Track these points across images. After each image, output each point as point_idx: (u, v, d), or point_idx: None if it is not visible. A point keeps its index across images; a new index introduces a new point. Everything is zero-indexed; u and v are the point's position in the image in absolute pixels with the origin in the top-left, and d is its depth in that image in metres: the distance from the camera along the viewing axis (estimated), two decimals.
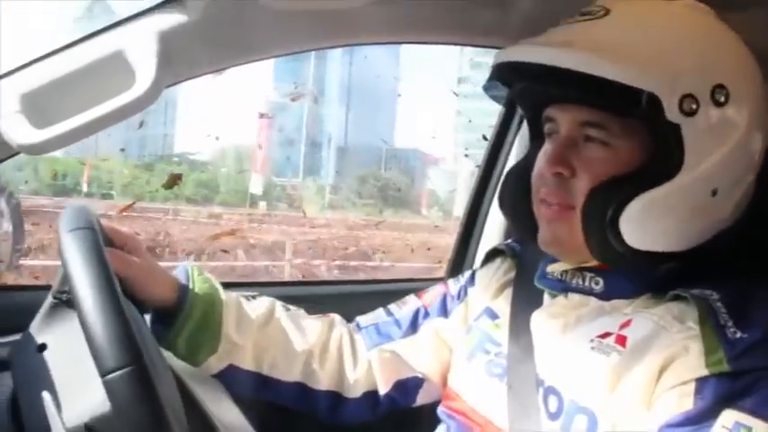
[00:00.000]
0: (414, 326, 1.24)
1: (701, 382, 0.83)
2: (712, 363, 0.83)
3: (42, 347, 0.92)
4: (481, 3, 1.23)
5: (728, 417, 0.81)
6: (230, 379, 1.14)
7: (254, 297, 1.20)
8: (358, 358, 1.22)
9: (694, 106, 0.87)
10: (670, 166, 0.89)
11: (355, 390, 1.20)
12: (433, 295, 1.27)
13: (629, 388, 0.88)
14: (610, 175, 0.93)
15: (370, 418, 1.22)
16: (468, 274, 1.29)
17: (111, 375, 0.75)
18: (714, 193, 0.91)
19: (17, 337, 1.08)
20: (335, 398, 1.19)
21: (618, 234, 0.90)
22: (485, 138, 1.79)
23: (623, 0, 0.97)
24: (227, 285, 1.19)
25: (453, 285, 1.28)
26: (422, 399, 1.23)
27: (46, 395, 0.85)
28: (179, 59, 1.14)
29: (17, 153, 1.11)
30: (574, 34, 0.96)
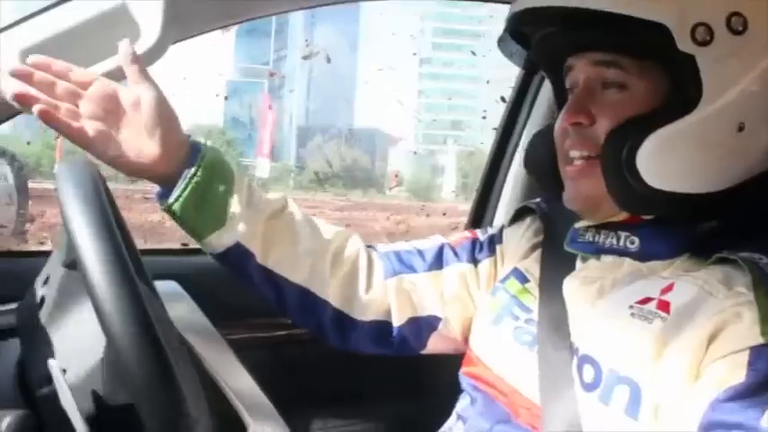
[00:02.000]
0: (439, 261, 1.18)
1: (755, 351, 0.77)
2: None
3: (43, 300, 0.89)
4: None
5: None
6: (236, 260, 1.06)
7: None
8: (373, 281, 1.15)
9: (708, 36, 0.85)
10: (688, 101, 0.87)
11: (365, 313, 1.14)
12: (460, 238, 1.22)
13: (675, 357, 0.82)
14: (628, 116, 0.91)
15: (379, 350, 1.16)
16: (496, 227, 1.25)
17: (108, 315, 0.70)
18: (741, 128, 0.88)
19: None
20: (343, 318, 1.13)
21: (635, 173, 0.87)
22: (503, 99, 1.77)
23: None
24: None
25: (481, 234, 1.23)
26: (433, 344, 1.17)
27: (52, 362, 0.81)
28: (185, 15, 1.10)
29: (18, 113, 1.06)
30: None
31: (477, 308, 1.14)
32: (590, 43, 0.95)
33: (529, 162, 1.10)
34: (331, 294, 1.11)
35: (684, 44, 0.84)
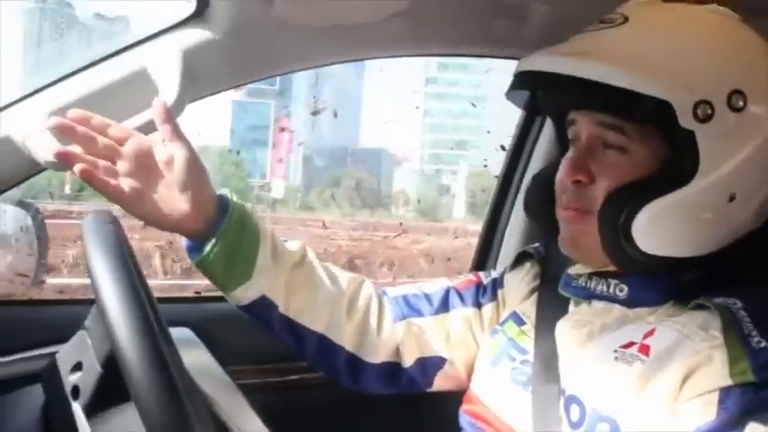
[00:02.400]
0: (445, 305, 1.21)
1: (724, 392, 0.81)
2: (737, 372, 0.81)
3: (78, 366, 0.92)
4: (498, 14, 1.25)
5: (753, 430, 0.79)
6: (260, 311, 1.10)
7: (284, 240, 1.15)
8: (383, 325, 1.18)
9: (710, 112, 0.87)
10: (685, 172, 0.89)
11: (376, 356, 1.17)
12: (464, 282, 1.25)
13: (653, 397, 0.87)
14: (627, 180, 0.93)
15: (389, 390, 1.20)
16: (498, 270, 1.29)
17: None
18: (732, 198, 0.91)
19: (45, 350, 1.09)
20: (355, 361, 1.17)
21: (630, 239, 0.90)
22: (503, 148, 1.80)
23: (643, 6, 0.97)
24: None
25: (484, 277, 1.27)
26: (439, 383, 1.20)
27: (76, 406, 0.86)
28: (201, 75, 1.15)
29: (44, 170, 1.11)
30: (592, 43, 0.96)
31: (480, 348, 1.19)
32: (593, 105, 0.97)
33: (528, 204, 1.13)
34: (346, 339, 1.15)
35: (686, 121, 0.86)
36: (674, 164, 0.91)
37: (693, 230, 0.92)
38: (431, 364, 1.19)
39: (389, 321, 1.19)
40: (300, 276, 1.12)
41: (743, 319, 0.85)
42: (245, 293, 1.08)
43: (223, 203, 1.05)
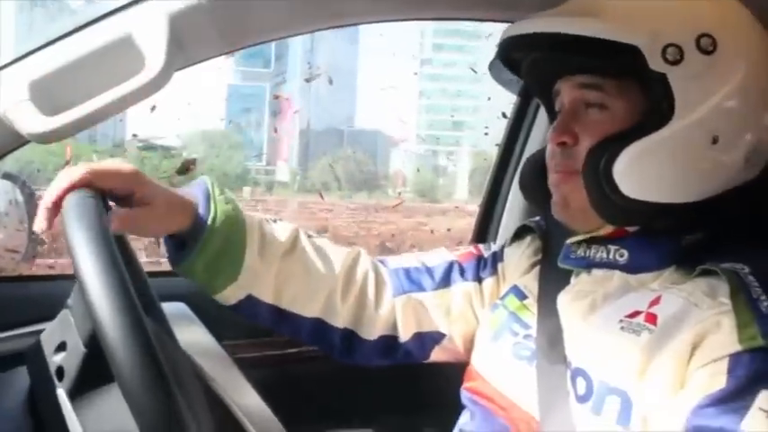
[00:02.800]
0: (447, 279, 1.22)
1: (734, 358, 0.81)
2: (746, 338, 0.81)
3: (62, 346, 0.90)
4: None
5: (767, 398, 0.79)
6: (248, 310, 1.10)
7: (275, 221, 1.15)
8: (382, 300, 1.19)
9: (679, 56, 0.90)
10: (661, 117, 0.92)
11: (373, 331, 1.18)
12: (465, 254, 1.26)
13: (662, 367, 0.86)
14: (607, 134, 0.96)
15: (383, 362, 1.20)
16: (498, 244, 1.30)
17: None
18: (715, 140, 0.93)
19: (33, 328, 1.07)
20: (351, 336, 1.17)
21: (613, 184, 0.92)
22: (504, 115, 1.80)
23: None
24: None
25: (485, 250, 1.27)
26: (436, 355, 1.21)
27: (61, 392, 0.84)
28: (189, 42, 1.11)
29: (27, 142, 1.08)
30: (572, 5, 1.02)
31: (479, 323, 1.18)
32: (572, 67, 1.01)
33: (523, 183, 1.15)
34: (341, 319, 1.15)
35: (656, 64, 0.90)
36: (651, 110, 0.94)
37: (677, 172, 0.94)
38: (429, 339, 1.19)
39: (389, 296, 1.19)
40: (292, 264, 1.12)
41: (751, 283, 0.85)
42: (232, 294, 1.08)
43: (204, 206, 1.05)
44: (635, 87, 0.96)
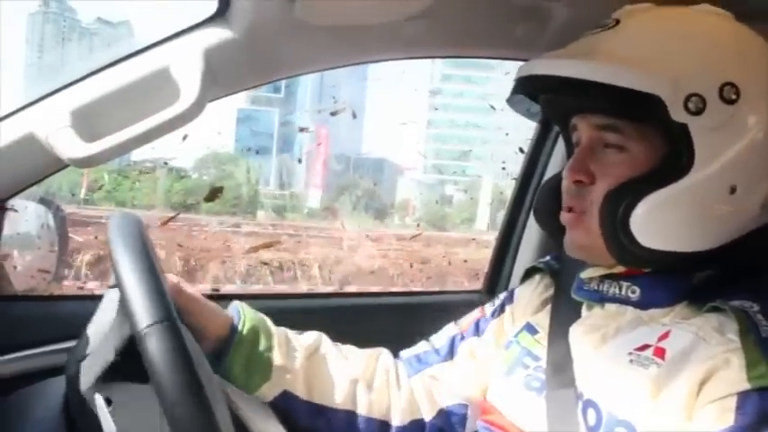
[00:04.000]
0: (451, 351, 1.25)
1: (743, 396, 0.81)
2: (755, 376, 0.81)
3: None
4: (519, 16, 1.27)
5: None
6: (285, 406, 1.15)
7: (300, 333, 1.22)
8: (401, 386, 1.22)
9: (701, 105, 0.88)
10: (681, 166, 0.90)
11: (402, 418, 1.20)
12: (468, 320, 1.28)
13: (669, 401, 0.86)
14: (626, 177, 0.94)
15: None
16: (505, 293, 1.30)
17: (142, 330, 0.77)
18: (733, 190, 0.91)
19: (66, 344, 1.10)
20: (384, 427, 1.20)
21: (629, 234, 0.91)
22: (521, 150, 1.81)
23: (636, 10, 1.00)
24: (233, 296, 1.22)
25: (489, 308, 1.29)
26: (470, 427, 1.21)
27: (98, 397, 0.87)
28: (222, 75, 1.17)
29: (66, 166, 1.13)
30: (585, 46, 0.99)
31: (491, 366, 1.19)
32: (590, 107, 0.99)
33: (538, 211, 1.15)
34: (372, 411, 1.19)
35: (678, 114, 0.88)
36: (671, 158, 0.92)
37: (694, 223, 0.92)
38: (456, 414, 1.21)
39: (405, 381, 1.23)
40: (317, 363, 1.18)
41: (760, 322, 0.85)
42: (268, 391, 1.14)
43: (236, 317, 1.13)
44: (654, 132, 0.93)
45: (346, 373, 1.19)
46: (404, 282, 6.12)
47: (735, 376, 0.82)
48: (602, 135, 0.98)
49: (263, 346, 1.13)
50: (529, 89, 1.06)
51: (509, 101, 1.11)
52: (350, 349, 1.24)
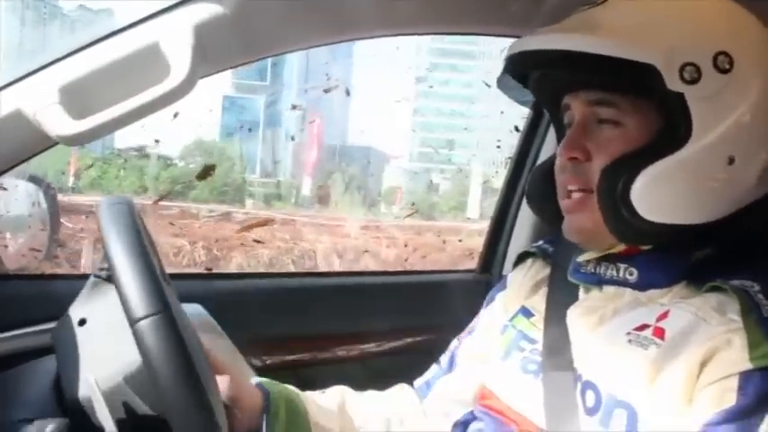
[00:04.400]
0: (451, 363, 1.27)
1: (744, 376, 0.81)
2: (757, 356, 0.82)
3: (83, 322, 0.94)
4: None
5: None
6: None
7: (322, 392, 1.23)
8: (423, 411, 1.25)
9: (696, 74, 0.89)
10: (678, 137, 0.91)
11: None
12: (465, 329, 1.30)
13: (669, 382, 0.86)
14: (621, 153, 0.94)
15: None
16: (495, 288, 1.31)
17: (139, 323, 0.78)
18: (731, 161, 0.92)
19: (55, 324, 1.09)
20: None
21: (630, 207, 0.91)
22: (517, 129, 1.81)
23: None
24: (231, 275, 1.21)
25: (486, 305, 1.30)
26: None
27: (89, 376, 0.87)
28: (213, 51, 1.15)
29: (55, 144, 1.12)
30: (577, 22, 0.99)
31: (488, 355, 1.19)
32: (584, 83, 0.99)
33: (531, 195, 1.15)
34: None
35: (673, 83, 0.89)
36: (668, 130, 0.92)
37: (694, 194, 0.92)
38: (469, 422, 1.19)
39: (421, 406, 1.26)
40: (349, 414, 1.21)
41: (761, 302, 0.86)
42: None
43: (264, 393, 1.13)
44: (649, 104, 0.94)
45: (378, 416, 1.21)
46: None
47: (736, 356, 0.83)
48: (596, 110, 0.98)
49: (298, 410, 1.14)
50: (520, 67, 1.05)
51: (499, 82, 1.10)
52: (372, 393, 1.26)
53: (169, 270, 1.08)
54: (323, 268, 5.54)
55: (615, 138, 0.96)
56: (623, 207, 0.92)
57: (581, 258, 1.04)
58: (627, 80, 0.93)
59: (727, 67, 0.91)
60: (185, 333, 0.83)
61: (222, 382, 1.07)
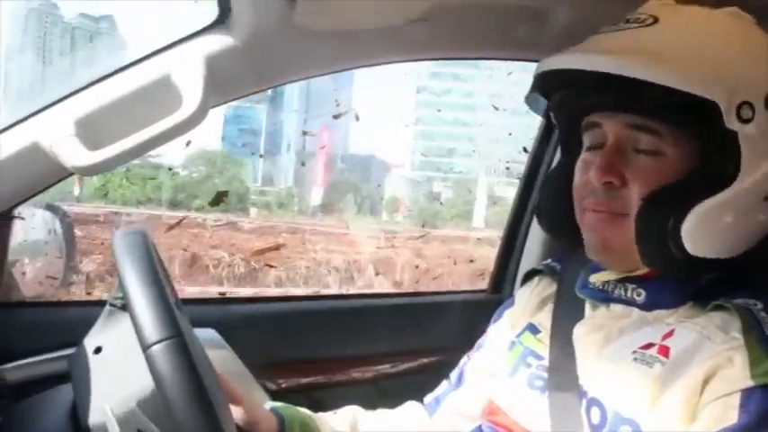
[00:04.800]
0: (460, 378, 1.26)
1: (746, 393, 0.81)
2: (758, 374, 0.81)
3: (98, 350, 0.95)
4: (519, 17, 1.26)
5: None
6: None
7: (334, 413, 1.24)
8: (431, 428, 1.25)
9: (750, 114, 0.87)
10: (726, 174, 0.89)
11: None
12: (475, 347, 1.30)
13: (673, 399, 0.86)
14: (662, 184, 0.92)
15: None
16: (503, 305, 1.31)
17: (151, 348, 0.79)
18: (766, 198, 0.91)
19: (71, 351, 1.11)
20: None
21: (679, 242, 0.89)
22: (525, 150, 1.79)
23: (669, 7, 0.97)
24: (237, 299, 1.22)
25: (493, 322, 1.29)
26: None
27: (105, 405, 0.88)
28: (224, 81, 1.17)
29: (71, 174, 1.14)
30: (624, 41, 0.95)
31: (496, 371, 1.18)
32: (625, 106, 0.95)
33: (542, 215, 1.13)
34: None
35: (731, 122, 0.87)
36: (714, 165, 0.91)
37: (735, 230, 0.92)
38: None
39: (431, 421, 1.25)
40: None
41: (763, 320, 0.86)
42: None
43: (279, 416, 1.13)
44: (692, 136, 0.92)
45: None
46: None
47: (738, 374, 0.83)
48: (635, 135, 0.94)
49: (312, 429, 1.15)
50: (554, 86, 1.02)
51: (527, 98, 1.08)
52: (383, 411, 1.26)
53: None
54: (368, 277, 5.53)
55: (655, 167, 0.93)
56: (671, 241, 0.90)
57: (595, 278, 1.03)
58: (684, 113, 0.90)
59: None
60: (198, 358, 0.84)
61: (237, 409, 1.07)
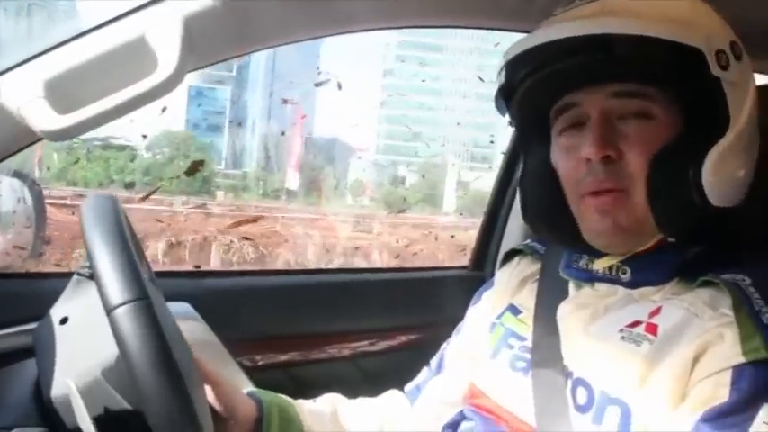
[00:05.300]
0: (440, 364, 1.27)
1: (737, 370, 0.81)
2: (749, 350, 0.81)
3: (64, 320, 0.93)
4: None
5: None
6: None
7: (314, 400, 1.23)
8: (413, 415, 1.25)
9: (726, 61, 0.89)
10: (714, 124, 0.90)
11: None
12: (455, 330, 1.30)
13: (662, 378, 0.86)
14: (660, 145, 0.92)
15: None
16: (482, 287, 1.30)
17: (115, 311, 0.76)
18: (751, 144, 0.95)
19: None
20: None
21: (702, 192, 0.89)
22: (511, 124, 1.79)
23: None
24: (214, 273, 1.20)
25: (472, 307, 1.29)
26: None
27: (68, 380, 0.85)
28: (202, 44, 1.11)
29: (39, 139, 1.08)
30: (589, 10, 0.94)
31: (476, 353, 1.18)
32: (606, 75, 0.94)
33: (529, 211, 1.09)
34: None
35: (715, 69, 0.88)
36: (705, 118, 0.91)
37: (745, 174, 0.93)
38: (459, 422, 1.18)
39: (411, 410, 1.25)
40: (342, 421, 1.21)
41: (753, 295, 0.85)
42: None
43: (257, 401, 1.13)
44: (673, 93, 0.93)
45: (370, 423, 1.21)
46: None
47: (729, 350, 0.82)
48: (621, 104, 0.94)
49: (291, 416, 1.14)
50: (528, 66, 0.98)
51: (500, 90, 1.03)
52: (364, 400, 1.26)
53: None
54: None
55: (649, 130, 0.93)
56: (695, 194, 0.89)
57: (599, 264, 1.00)
58: (669, 69, 0.90)
59: (740, 55, 0.92)
60: (168, 328, 0.81)
61: (213, 392, 1.05)
